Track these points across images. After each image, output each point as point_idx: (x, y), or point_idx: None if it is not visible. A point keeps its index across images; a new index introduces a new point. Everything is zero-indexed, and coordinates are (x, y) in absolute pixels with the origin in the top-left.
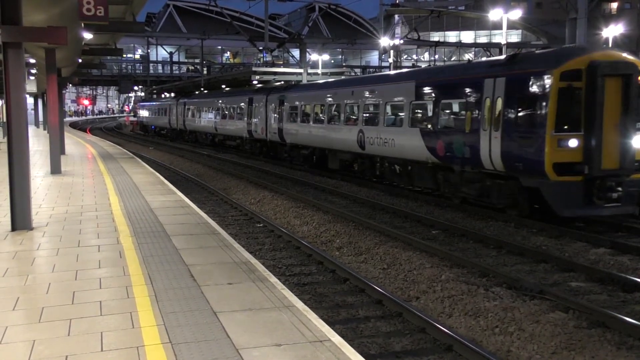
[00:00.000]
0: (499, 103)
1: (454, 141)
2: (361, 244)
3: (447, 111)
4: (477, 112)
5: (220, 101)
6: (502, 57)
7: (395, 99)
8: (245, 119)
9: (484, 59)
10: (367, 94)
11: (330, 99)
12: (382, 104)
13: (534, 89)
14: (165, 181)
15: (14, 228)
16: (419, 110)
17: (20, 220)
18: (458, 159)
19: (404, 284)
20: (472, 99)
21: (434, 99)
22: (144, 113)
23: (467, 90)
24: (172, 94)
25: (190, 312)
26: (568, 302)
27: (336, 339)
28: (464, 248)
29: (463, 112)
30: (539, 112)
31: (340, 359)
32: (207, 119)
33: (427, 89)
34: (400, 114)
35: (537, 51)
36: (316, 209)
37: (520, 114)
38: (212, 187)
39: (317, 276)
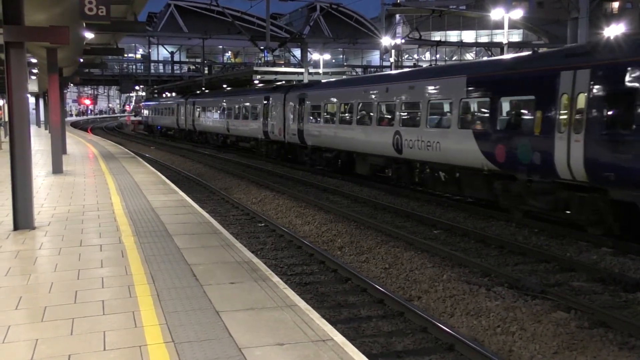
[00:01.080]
0: (581, 100)
1: (519, 145)
2: (363, 244)
3: (510, 110)
4: (550, 111)
5: (233, 100)
6: (578, 44)
7: (441, 97)
8: (261, 119)
9: (546, 49)
10: (405, 91)
11: (359, 97)
12: (425, 102)
13: (633, 81)
14: (167, 181)
15: (16, 227)
16: (471, 109)
17: (23, 219)
18: (523, 166)
19: (405, 283)
20: (543, 96)
21: (491, 96)
22: (149, 112)
23: (537, 85)
24: (178, 93)
25: (192, 311)
26: (570, 302)
27: (339, 338)
28: (466, 248)
29: (530, 111)
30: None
31: (343, 358)
32: (218, 119)
33: (482, 85)
34: (448, 113)
35: (630, 35)
36: (318, 209)
37: (611, 113)
38: (214, 186)
39: (318, 276)
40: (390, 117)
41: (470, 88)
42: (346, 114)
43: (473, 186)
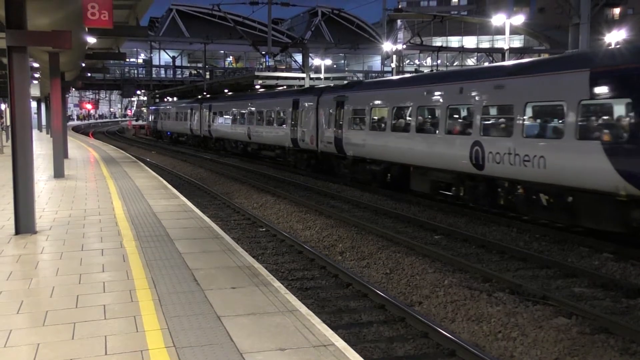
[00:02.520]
0: None
1: None
2: (364, 249)
3: None
4: None
5: (255, 104)
6: None
7: (548, 98)
8: (289, 125)
9: None
10: (489, 91)
11: (420, 99)
12: (521, 106)
13: None
14: (168, 185)
15: (17, 231)
16: (598, 114)
17: (24, 223)
18: None
19: (406, 288)
20: None
21: (636, 96)
22: (157, 117)
23: None
24: (182, 97)
25: (194, 316)
26: (571, 308)
27: (340, 343)
28: (467, 253)
29: None
30: None
31: None
32: (238, 124)
33: (617, 81)
34: (559, 119)
35: None
36: (319, 214)
37: None
38: (215, 191)
39: (319, 281)
40: (466, 123)
41: (596, 86)
42: (401, 120)
43: (597, 215)
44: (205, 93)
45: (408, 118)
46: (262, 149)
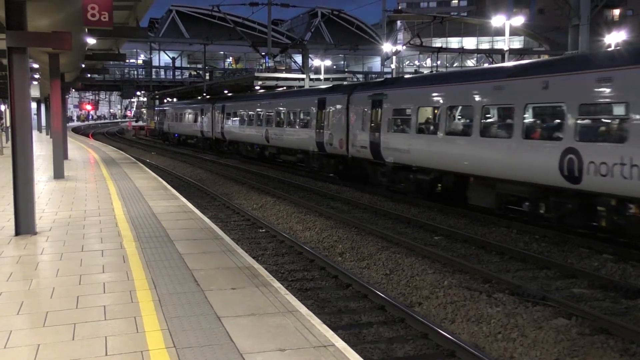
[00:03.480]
0: None
1: None
2: (364, 250)
3: None
4: None
5: (274, 104)
6: None
7: None
8: (314, 127)
9: None
10: (589, 86)
11: (485, 97)
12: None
13: None
14: (168, 186)
15: (17, 232)
16: None
17: (24, 224)
18: None
19: (406, 289)
20: None
21: None
22: (163, 118)
23: None
24: (183, 96)
25: (194, 316)
26: (571, 309)
27: (340, 344)
28: (467, 254)
29: None
30: None
31: None
32: (254, 126)
33: None
34: None
35: None
36: (318, 215)
37: None
38: (215, 192)
39: (319, 281)
40: (553, 126)
41: None
42: (459, 122)
43: None
44: (205, 94)
45: (468, 119)
46: (281, 153)
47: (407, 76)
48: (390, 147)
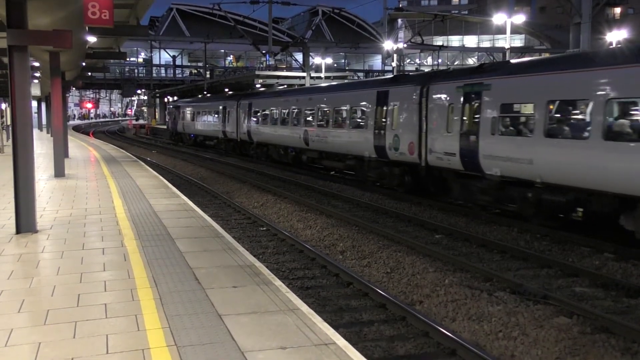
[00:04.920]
0: None
1: None
2: (364, 248)
3: None
4: None
5: (317, 100)
6: None
7: None
8: (371, 127)
9: None
10: None
11: None
12: None
13: None
14: (169, 184)
15: (18, 231)
16: None
17: (25, 223)
18: None
19: (407, 288)
20: None
21: None
22: (178, 117)
23: None
24: (191, 92)
25: (195, 314)
26: (572, 308)
27: (341, 342)
28: (468, 252)
29: None
30: None
31: None
32: (290, 126)
33: None
34: None
35: None
36: (319, 213)
37: None
38: (215, 190)
39: (320, 280)
40: None
41: None
42: (631, 123)
43: None
44: (205, 92)
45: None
46: (324, 158)
47: (519, 60)
48: (495, 154)
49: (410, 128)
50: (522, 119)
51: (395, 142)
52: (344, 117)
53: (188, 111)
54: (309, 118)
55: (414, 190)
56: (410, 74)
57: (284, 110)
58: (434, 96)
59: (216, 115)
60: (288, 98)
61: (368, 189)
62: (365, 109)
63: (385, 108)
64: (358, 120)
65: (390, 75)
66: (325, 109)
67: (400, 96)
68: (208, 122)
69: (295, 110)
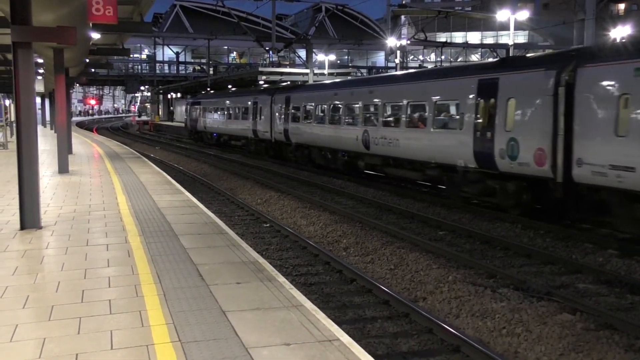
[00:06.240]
0: None
1: None
2: (368, 245)
3: None
4: None
5: (381, 93)
6: None
7: None
8: (469, 128)
9: None
10: None
11: None
12: None
13: None
14: (172, 181)
15: (22, 227)
16: None
17: (29, 219)
18: None
19: (410, 284)
20: None
21: None
22: (199, 114)
23: None
24: (196, 92)
25: (199, 311)
26: (576, 304)
27: (345, 338)
28: (471, 249)
29: None
30: None
31: (350, 358)
32: (343, 125)
33: None
34: None
35: None
36: (323, 210)
37: None
38: (219, 187)
39: (324, 276)
40: None
41: None
42: None
43: None
44: (209, 89)
45: None
46: (391, 165)
47: None
48: None
49: (538, 129)
50: None
51: (510, 147)
52: (425, 114)
53: (210, 107)
54: (370, 116)
55: (532, 212)
56: (531, 54)
57: (335, 106)
58: (588, 84)
59: (245, 112)
60: (339, 91)
61: (371, 185)
62: (459, 104)
63: (492, 102)
64: (448, 118)
65: (494, 59)
66: (396, 104)
67: (519, 86)
68: (234, 121)
69: (351, 106)
